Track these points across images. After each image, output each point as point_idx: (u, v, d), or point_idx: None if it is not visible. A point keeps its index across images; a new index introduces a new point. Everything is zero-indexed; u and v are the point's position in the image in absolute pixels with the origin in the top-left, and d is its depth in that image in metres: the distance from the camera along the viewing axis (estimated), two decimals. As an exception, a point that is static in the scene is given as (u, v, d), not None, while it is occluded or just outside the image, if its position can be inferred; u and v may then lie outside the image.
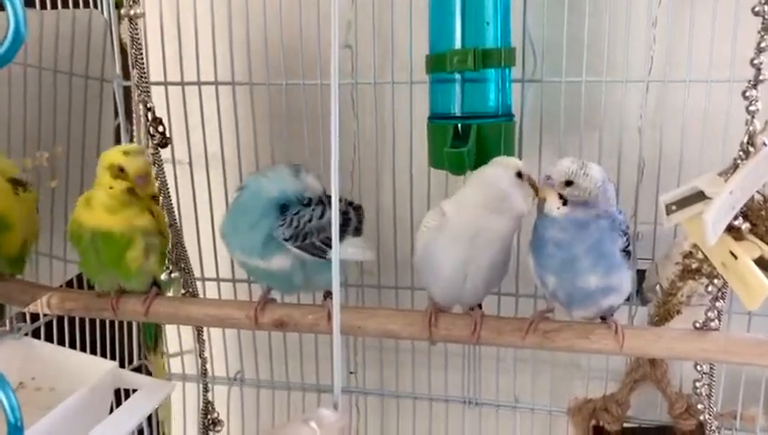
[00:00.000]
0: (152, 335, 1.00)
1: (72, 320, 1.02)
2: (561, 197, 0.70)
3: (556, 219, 0.70)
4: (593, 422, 0.94)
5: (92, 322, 1.05)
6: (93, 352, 1.03)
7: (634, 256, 0.75)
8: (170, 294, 0.91)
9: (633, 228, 0.90)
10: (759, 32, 0.62)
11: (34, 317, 0.93)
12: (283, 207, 0.77)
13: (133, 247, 0.80)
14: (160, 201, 0.81)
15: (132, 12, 0.73)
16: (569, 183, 0.69)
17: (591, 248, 0.70)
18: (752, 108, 0.64)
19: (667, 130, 0.88)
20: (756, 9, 0.62)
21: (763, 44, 0.62)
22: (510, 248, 0.77)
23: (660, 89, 0.88)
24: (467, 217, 0.74)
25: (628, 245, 0.73)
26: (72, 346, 0.99)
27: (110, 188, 0.77)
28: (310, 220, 0.76)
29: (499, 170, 0.74)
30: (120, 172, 0.77)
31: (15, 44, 0.47)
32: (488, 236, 0.73)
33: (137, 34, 0.75)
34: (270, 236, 0.76)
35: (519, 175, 0.73)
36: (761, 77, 0.63)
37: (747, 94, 0.64)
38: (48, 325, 0.96)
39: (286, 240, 0.76)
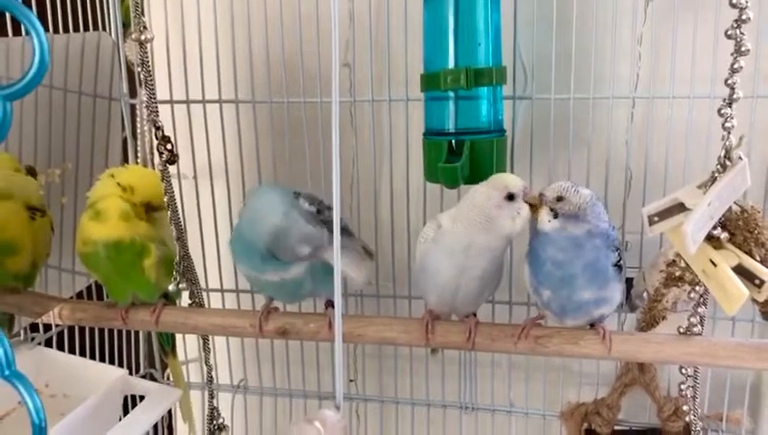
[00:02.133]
0: (169, 340, 1.03)
1: (81, 330, 1.04)
2: (552, 210, 0.74)
3: (553, 239, 0.74)
4: (585, 426, 0.96)
5: (101, 333, 1.07)
6: (102, 361, 1.06)
7: (624, 267, 0.78)
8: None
9: (622, 238, 0.93)
10: (732, 54, 0.66)
11: (47, 327, 0.95)
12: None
13: (148, 256, 0.83)
14: (168, 215, 0.84)
15: (143, 37, 0.77)
16: (560, 198, 0.74)
17: (588, 266, 0.74)
18: (727, 124, 0.68)
19: (653, 144, 0.91)
20: (729, 33, 0.65)
21: (736, 66, 0.66)
22: (502, 261, 0.80)
23: (646, 105, 0.92)
24: (461, 230, 0.76)
25: (620, 259, 0.76)
26: (83, 355, 1.02)
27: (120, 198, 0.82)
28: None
29: (488, 192, 0.75)
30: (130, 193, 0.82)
31: (41, 71, 0.50)
32: (480, 250, 0.76)
33: (146, 58, 0.78)
34: (268, 254, 0.77)
35: (510, 197, 0.74)
36: (734, 96, 0.67)
37: (723, 112, 0.67)
38: (60, 335, 0.99)
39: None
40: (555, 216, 0.74)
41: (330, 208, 0.79)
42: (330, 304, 0.86)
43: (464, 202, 0.78)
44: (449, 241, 0.77)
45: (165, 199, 0.83)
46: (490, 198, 0.75)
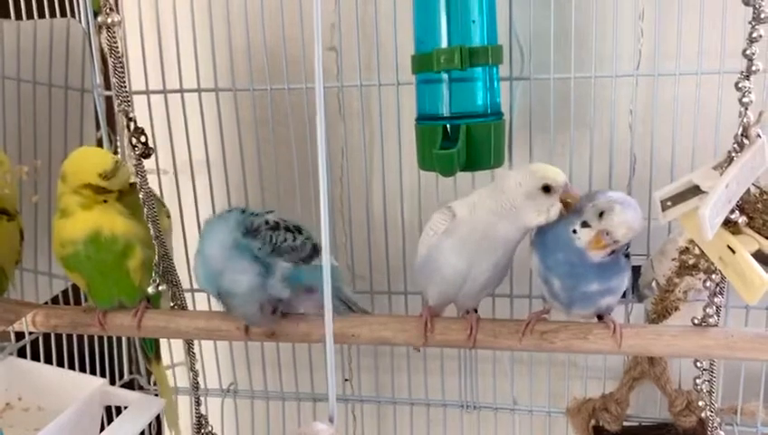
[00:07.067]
0: (152, 346, 0.98)
1: (58, 337, 1.00)
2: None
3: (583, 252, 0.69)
4: (593, 422, 0.93)
5: (80, 338, 1.03)
6: (83, 369, 1.01)
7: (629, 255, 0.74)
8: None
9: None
10: (750, 22, 0.61)
11: (20, 336, 0.91)
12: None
13: (133, 256, 0.79)
14: (145, 212, 0.79)
15: (110, 20, 0.71)
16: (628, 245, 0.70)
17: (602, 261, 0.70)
18: (745, 99, 0.63)
19: (658, 125, 0.87)
20: (747, -1, 0.60)
21: (754, 35, 0.61)
22: (513, 254, 0.75)
23: (650, 83, 0.88)
24: (479, 219, 0.72)
25: (628, 247, 0.72)
26: (60, 364, 0.97)
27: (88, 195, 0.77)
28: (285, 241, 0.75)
29: (522, 178, 0.70)
30: (102, 190, 0.77)
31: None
32: (494, 241, 0.72)
33: (115, 43, 0.73)
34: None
35: (546, 189, 0.69)
36: (753, 67, 0.62)
37: (740, 85, 0.63)
38: (34, 343, 0.94)
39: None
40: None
41: (298, 230, 0.76)
42: None
43: (490, 187, 0.74)
44: (464, 232, 0.73)
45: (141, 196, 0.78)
46: (522, 184, 0.70)
